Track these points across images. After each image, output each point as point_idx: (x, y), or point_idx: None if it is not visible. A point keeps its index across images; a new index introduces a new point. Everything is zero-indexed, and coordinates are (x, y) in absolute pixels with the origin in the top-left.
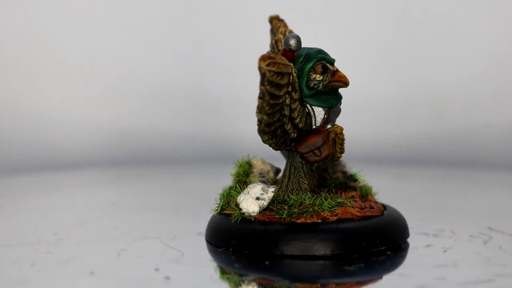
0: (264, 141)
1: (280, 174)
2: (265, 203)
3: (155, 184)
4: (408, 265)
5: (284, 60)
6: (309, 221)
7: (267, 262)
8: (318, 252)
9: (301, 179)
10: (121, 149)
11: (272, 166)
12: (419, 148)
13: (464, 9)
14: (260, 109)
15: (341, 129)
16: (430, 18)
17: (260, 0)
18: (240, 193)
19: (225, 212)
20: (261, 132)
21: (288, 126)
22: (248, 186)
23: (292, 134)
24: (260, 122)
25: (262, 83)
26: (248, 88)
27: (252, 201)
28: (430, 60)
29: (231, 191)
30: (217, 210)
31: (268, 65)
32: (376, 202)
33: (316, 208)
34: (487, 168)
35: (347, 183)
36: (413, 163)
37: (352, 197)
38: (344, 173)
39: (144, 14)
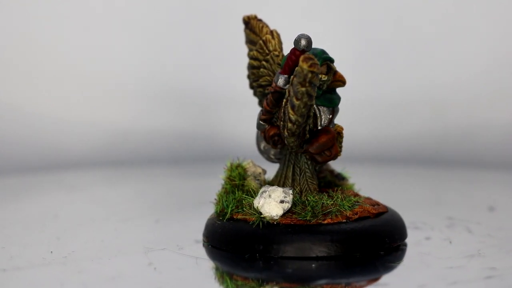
0: (289, 144)
1: (267, 176)
2: (289, 206)
3: (154, 185)
4: (443, 257)
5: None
6: (335, 221)
7: (313, 265)
8: (353, 252)
9: (310, 180)
10: (121, 149)
11: (262, 168)
12: (419, 148)
13: (464, 9)
14: (296, 111)
15: (342, 128)
16: (430, 18)
17: (260, 0)
18: (254, 198)
19: (237, 217)
20: (291, 134)
21: (307, 128)
22: (265, 189)
23: (307, 135)
24: (293, 124)
25: (303, 85)
26: (247, 88)
27: (275, 205)
28: (430, 59)
29: (245, 195)
30: (225, 216)
31: (310, 66)
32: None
33: (338, 207)
34: (487, 168)
35: (335, 182)
36: (413, 163)
37: (357, 195)
38: (331, 172)
39: (144, 14)
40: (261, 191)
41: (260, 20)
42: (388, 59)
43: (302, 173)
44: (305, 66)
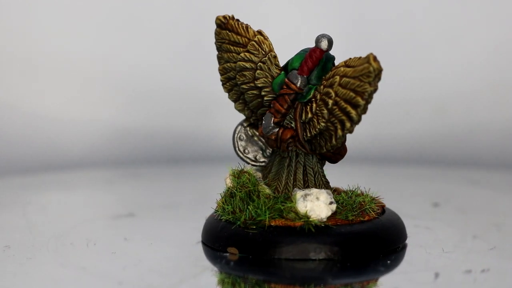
0: (338, 145)
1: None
2: (336, 206)
3: (155, 185)
4: (461, 244)
5: None
6: (371, 218)
7: (388, 261)
8: (391, 245)
9: (325, 179)
10: (121, 149)
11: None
12: (420, 148)
13: (464, 8)
14: (360, 111)
15: None
16: (430, 17)
17: (259, 0)
18: (293, 203)
19: (275, 224)
20: (345, 136)
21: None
22: (306, 193)
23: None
24: (354, 124)
25: (372, 84)
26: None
27: (325, 207)
28: (431, 59)
29: (286, 201)
30: (258, 224)
31: (380, 66)
32: None
33: (369, 204)
34: (487, 168)
35: None
36: (413, 163)
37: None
38: None
39: (143, 14)
40: (301, 194)
41: (238, 20)
42: (388, 59)
43: (316, 174)
44: (376, 65)
